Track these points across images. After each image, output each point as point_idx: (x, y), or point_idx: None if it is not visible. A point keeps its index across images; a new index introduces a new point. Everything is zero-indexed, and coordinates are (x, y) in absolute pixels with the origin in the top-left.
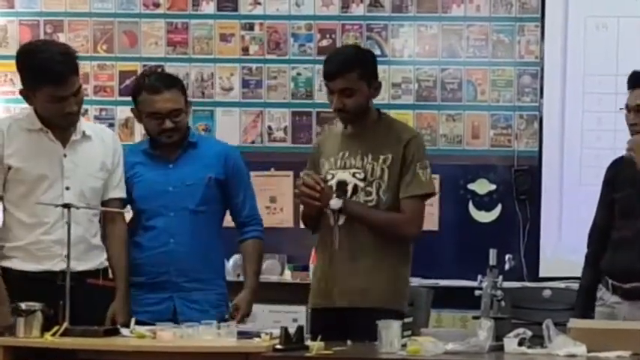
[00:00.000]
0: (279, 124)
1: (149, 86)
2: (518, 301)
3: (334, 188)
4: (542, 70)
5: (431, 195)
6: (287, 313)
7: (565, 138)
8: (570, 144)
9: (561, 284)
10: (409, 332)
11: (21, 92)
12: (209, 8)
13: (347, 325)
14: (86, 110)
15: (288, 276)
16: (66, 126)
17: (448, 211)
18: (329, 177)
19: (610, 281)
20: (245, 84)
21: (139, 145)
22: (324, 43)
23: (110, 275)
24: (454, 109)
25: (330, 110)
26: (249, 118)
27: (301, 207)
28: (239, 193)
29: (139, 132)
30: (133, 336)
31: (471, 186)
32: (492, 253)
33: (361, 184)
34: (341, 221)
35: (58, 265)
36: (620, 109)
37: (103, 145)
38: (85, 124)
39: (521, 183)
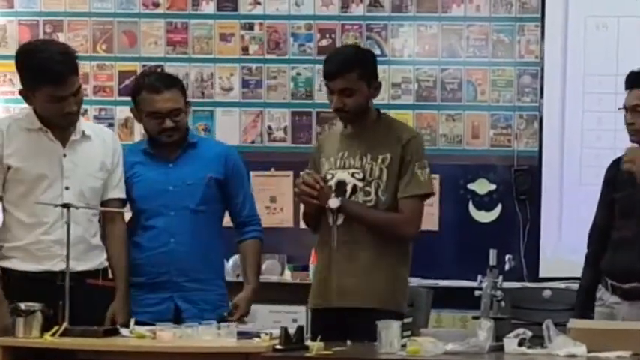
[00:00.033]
0: (279, 124)
1: (149, 86)
2: (518, 301)
3: (334, 189)
4: (542, 70)
5: (429, 195)
6: (287, 313)
7: (565, 138)
8: (570, 144)
9: (561, 284)
10: (409, 332)
11: (20, 92)
12: (209, 8)
13: (347, 325)
14: (86, 110)
15: (288, 276)
16: (65, 126)
17: (448, 211)
18: (329, 177)
19: (609, 281)
20: (245, 84)
21: (138, 145)
22: (324, 43)
23: (110, 275)
24: (454, 109)
25: (330, 110)
26: (248, 118)
27: (302, 207)
28: (239, 194)
29: (139, 132)
30: (132, 336)
31: (470, 186)
32: (492, 253)
33: (360, 184)
34: (340, 221)
35: (58, 265)
36: (619, 109)
37: (102, 145)
38: (84, 124)
39: (521, 183)
